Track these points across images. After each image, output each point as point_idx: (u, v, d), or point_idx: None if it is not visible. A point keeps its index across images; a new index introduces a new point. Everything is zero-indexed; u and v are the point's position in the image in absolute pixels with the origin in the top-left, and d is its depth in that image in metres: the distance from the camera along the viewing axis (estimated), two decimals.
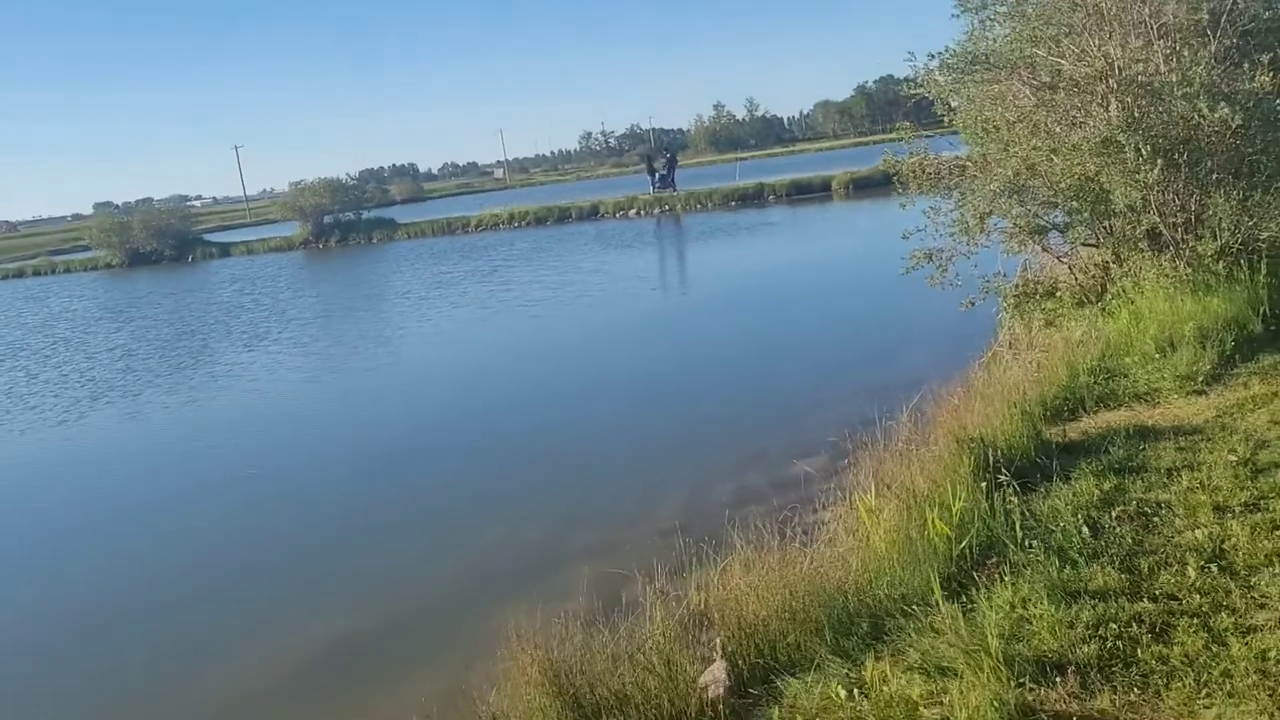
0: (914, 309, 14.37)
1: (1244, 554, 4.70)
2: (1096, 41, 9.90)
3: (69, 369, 20.57)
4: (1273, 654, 3.85)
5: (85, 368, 20.47)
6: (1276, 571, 4.47)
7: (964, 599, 4.68)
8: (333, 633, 7.06)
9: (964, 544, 5.12)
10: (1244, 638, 4.00)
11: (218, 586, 8.46)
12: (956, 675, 4.03)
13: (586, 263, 29.00)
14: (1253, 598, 4.32)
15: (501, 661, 4.69)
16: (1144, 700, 3.73)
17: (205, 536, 9.75)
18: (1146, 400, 7.40)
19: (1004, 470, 5.77)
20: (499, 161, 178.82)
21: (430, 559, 8.21)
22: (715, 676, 4.72)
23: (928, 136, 12.10)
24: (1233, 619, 4.16)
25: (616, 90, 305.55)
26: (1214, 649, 3.96)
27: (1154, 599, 4.42)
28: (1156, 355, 8.04)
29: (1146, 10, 9.71)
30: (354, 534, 9.21)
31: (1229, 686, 3.71)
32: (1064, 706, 3.76)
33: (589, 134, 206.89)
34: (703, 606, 5.26)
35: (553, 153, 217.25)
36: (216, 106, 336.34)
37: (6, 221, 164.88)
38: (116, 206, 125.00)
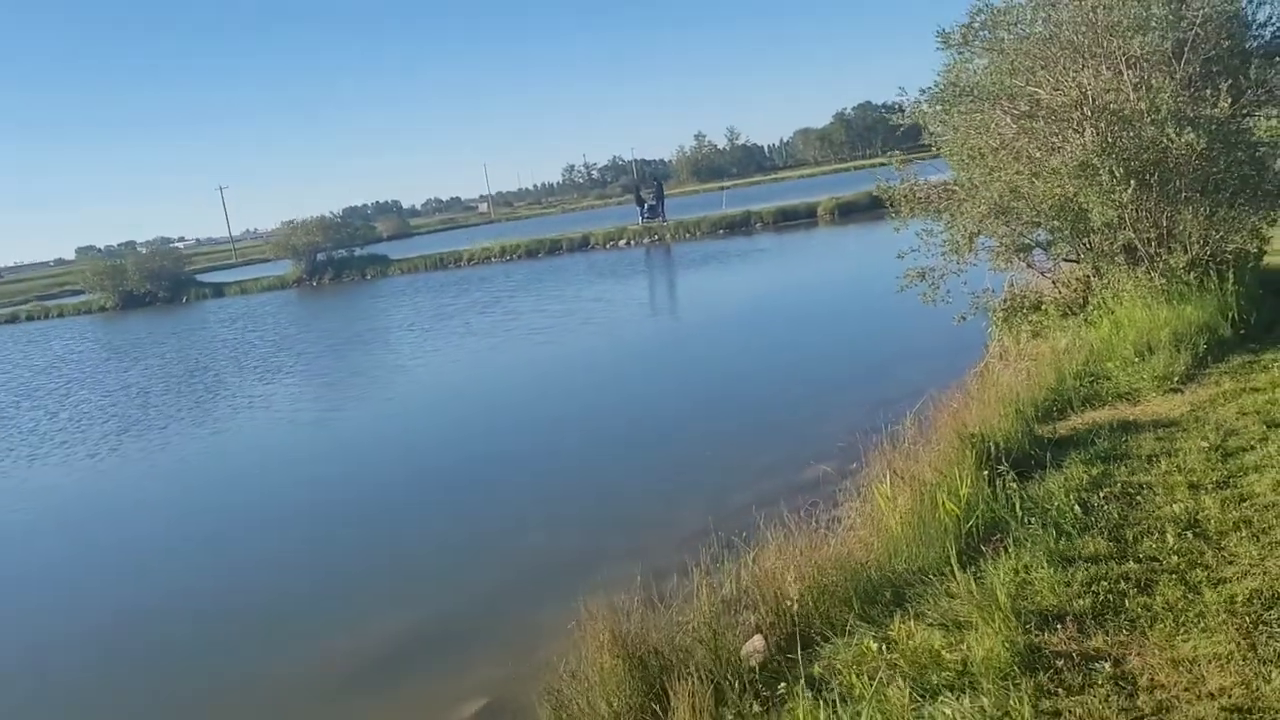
0: (908, 327, 15.12)
1: (1215, 522, 5.40)
2: (1071, 72, 10.68)
3: (88, 407, 21.09)
4: (1240, 598, 4.54)
5: (105, 405, 21.00)
6: (1243, 535, 5.17)
7: (973, 569, 5.35)
8: (405, 624, 7.72)
9: (971, 523, 5.80)
10: (1216, 587, 4.69)
11: (293, 585, 9.22)
12: (972, 627, 4.71)
13: (586, 292, 29.75)
14: (1223, 556, 5.02)
15: (573, 633, 5.33)
16: (1132, 639, 4.41)
17: (274, 543, 10.61)
18: (1128, 399, 8.12)
19: (1003, 461, 6.48)
20: (483, 196, 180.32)
21: (481, 563, 8.82)
22: (756, 647, 5.37)
23: (910, 160, 12.90)
24: (1206, 573, 4.85)
25: (598, 122, 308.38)
26: (1190, 597, 4.65)
27: (1138, 560, 5.11)
28: (1136, 359, 8.76)
29: (1115, 43, 10.50)
30: (406, 543, 9.86)
31: (1203, 624, 4.39)
32: (1064, 647, 4.43)
33: (571, 166, 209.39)
34: (741, 587, 5.93)
35: (536, 185, 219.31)
36: (195, 149, 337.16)
37: None
38: (99, 250, 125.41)
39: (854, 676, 4.49)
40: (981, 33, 11.23)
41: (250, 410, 18.00)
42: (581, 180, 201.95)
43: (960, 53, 11.63)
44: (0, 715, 7.60)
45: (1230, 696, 3.84)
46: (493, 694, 6.34)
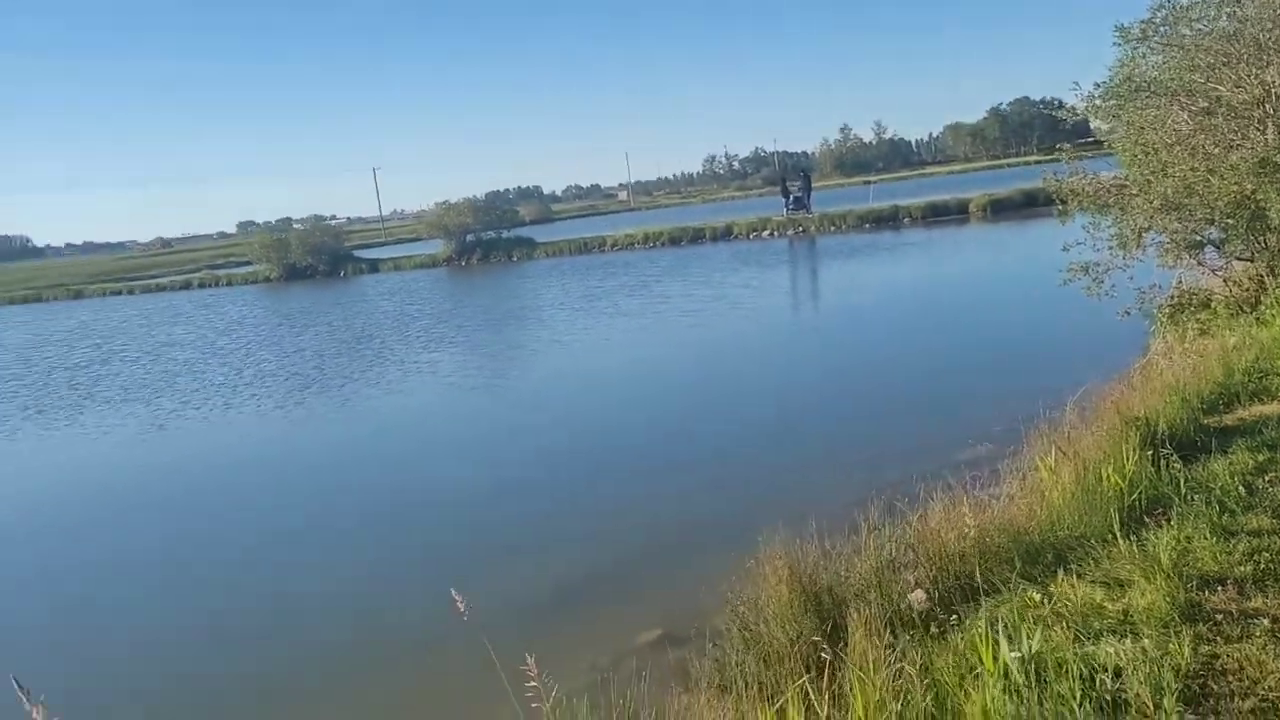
0: (1066, 322, 15.10)
1: None
2: (1254, 69, 10.58)
3: (270, 366, 22.82)
4: None
5: (285, 364, 22.71)
6: None
7: (1135, 537, 5.64)
8: (588, 566, 8.55)
9: (1133, 497, 6.07)
10: None
11: (489, 522, 10.28)
12: (1133, 585, 5.04)
13: (733, 278, 30.28)
14: None
15: (751, 570, 5.87)
16: None
17: (463, 488, 11.71)
18: None
19: (1166, 445, 6.69)
20: (622, 184, 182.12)
21: (651, 521, 9.53)
22: (918, 598, 5.79)
23: (1079, 156, 12.89)
24: None
25: (740, 113, 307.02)
26: None
27: None
28: None
29: None
30: (589, 498, 10.77)
31: None
32: (1224, 605, 4.71)
33: (712, 157, 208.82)
34: (904, 546, 6.34)
35: (676, 175, 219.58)
36: (347, 132, 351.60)
37: (161, 238, 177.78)
38: (258, 225, 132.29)
39: (1019, 619, 4.88)
40: (1162, 28, 11.21)
41: (419, 375, 19.20)
42: (722, 171, 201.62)
43: (1136, 48, 11.62)
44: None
45: None
46: (666, 627, 6.95)
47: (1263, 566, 5.04)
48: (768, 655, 5.18)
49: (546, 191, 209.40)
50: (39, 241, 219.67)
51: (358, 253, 67.61)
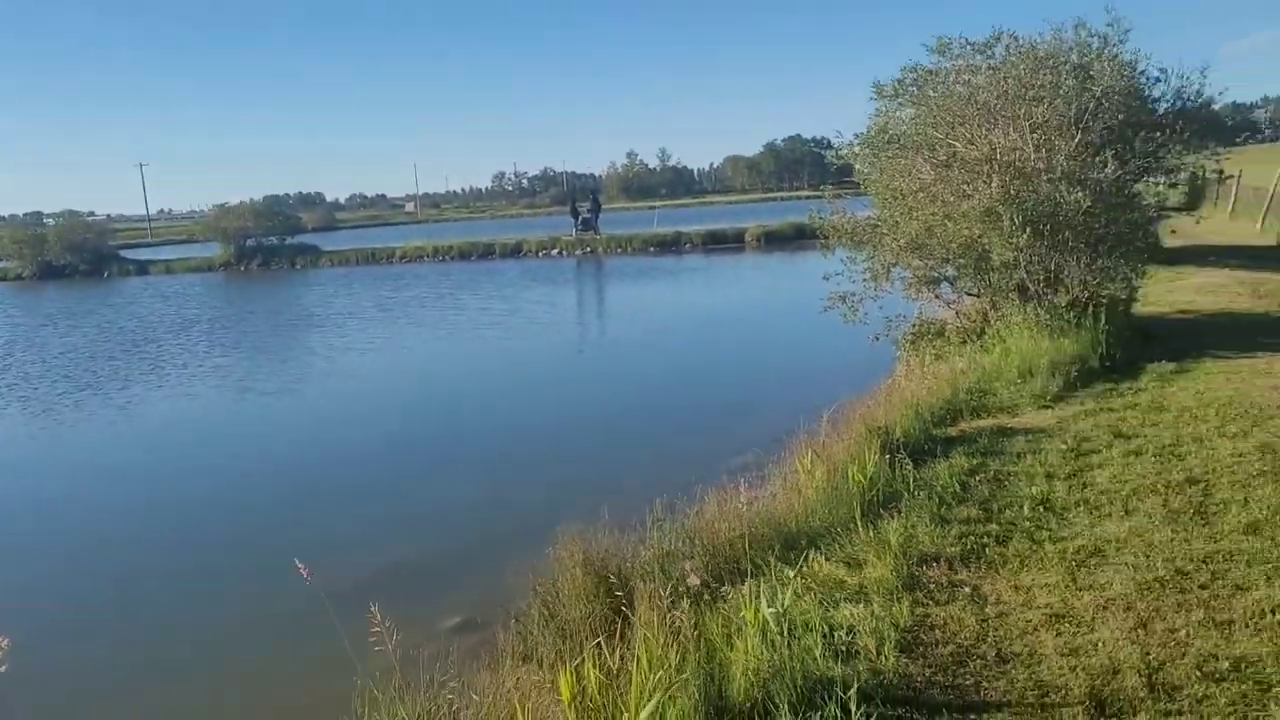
0: (827, 346, 16.65)
1: (1061, 501, 6.87)
2: (983, 130, 12.28)
3: (34, 368, 21.47)
4: (1070, 550, 5.97)
5: (54, 365, 21.46)
6: (1081, 510, 6.64)
7: (873, 527, 6.70)
8: (382, 564, 8.81)
9: (873, 493, 7.17)
10: (1055, 544, 6.11)
11: (289, 522, 10.45)
12: (869, 563, 6.06)
13: (526, 294, 30.93)
14: (1064, 523, 6.47)
15: (549, 557, 6.53)
16: (987, 575, 5.79)
17: (263, 493, 11.67)
18: (1008, 412, 9.64)
19: (901, 450, 7.90)
20: (410, 195, 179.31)
21: (451, 519, 9.97)
22: (693, 583, 6.63)
23: (840, 195, 14.46)
24: (1048, 534, 6.29)
25: (530, 132, 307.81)
26: (1034, 548, 6.08)
27: (999, 524, 6.54)
28: (1018, 380, 10.31)
29: (1022, 109, 12.15)
30: (386, 499, 11.02)
31: (1040, 566, 5.81)
32: (937, 577, 5.79)
33: (502, 174, 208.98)
34: (681, 538, 7.17)
35: (464, 189, 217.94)
36: (107, 124, 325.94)
37: None
38: (3, 218, 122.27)
39: (777, 592, 5.78)
40: (911, 88, 12.80)
41: (205, 379, 18.72)
42: (511, 188, 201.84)
43: (889, 104, 13.21)
44: None
45: (1051, 608, 5.24)
46: (471, 613, 7.52)
47: (968, 547, 6.19)
48: (565, 629, 5.85)
49: (330, 199, 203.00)
50: None
51: (124, 253, 63.65)
